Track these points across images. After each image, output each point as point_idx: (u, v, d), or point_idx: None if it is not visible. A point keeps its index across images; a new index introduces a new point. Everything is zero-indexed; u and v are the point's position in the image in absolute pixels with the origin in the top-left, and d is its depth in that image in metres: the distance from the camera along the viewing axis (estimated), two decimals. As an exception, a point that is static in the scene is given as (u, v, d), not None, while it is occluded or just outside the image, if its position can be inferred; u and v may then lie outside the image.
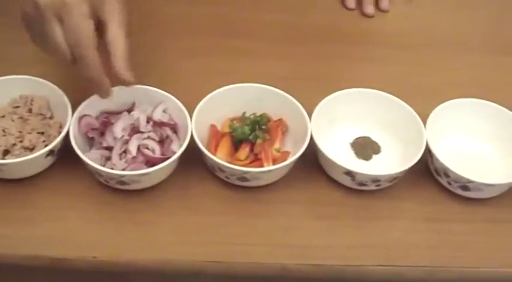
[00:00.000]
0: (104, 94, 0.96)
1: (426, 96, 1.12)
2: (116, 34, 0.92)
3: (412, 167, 1.01)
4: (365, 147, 1.07)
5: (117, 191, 0.99)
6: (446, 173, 1.01)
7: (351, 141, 1.09)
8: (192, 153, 1.00)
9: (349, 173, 0.99)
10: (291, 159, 0.98)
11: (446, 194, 1.05)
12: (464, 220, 1.04)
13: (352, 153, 1.08)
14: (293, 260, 0.97)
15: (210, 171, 1.02)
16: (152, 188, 1.00)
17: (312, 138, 1.00)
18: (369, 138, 1.08)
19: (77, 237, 0.96)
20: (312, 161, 1.04)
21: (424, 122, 1.05)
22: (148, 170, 0.96)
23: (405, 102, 1.08)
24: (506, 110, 1.09)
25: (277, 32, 1.24)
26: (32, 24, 0.92)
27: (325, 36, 1.25)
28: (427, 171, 1.06)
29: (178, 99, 1.03)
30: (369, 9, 1.31)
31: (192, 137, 0.99)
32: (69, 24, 0.88)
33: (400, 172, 1.00)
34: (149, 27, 1.21)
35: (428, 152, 1.03)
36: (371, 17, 1.31)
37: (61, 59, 0.91)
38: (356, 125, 1.09)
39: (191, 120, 1.00)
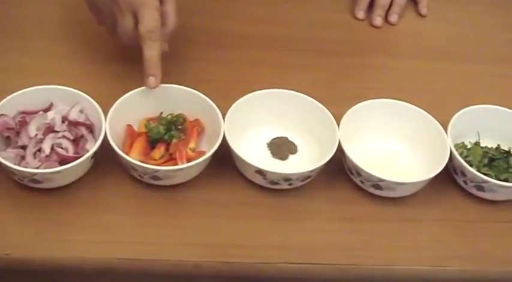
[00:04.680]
0: (155, 80, 1.05)
1: (344, 98, 1.13)
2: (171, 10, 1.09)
3: (328, 166, 1.03)
4: (281, 147, 1.09)
5: (33, 190, 1.00)
6: (358, 172, 1.03)
7: (268, 141, 1.09)
8: (109, 153, 1.01)
9: (260, 172, 1.00)
10: (203, 157, 0.99)
11: (360, 193, 1.07)
12: (377, 219, 1.05)
13: (268, 153, 1.09)
14: (206, 258, 0.98)
15: (126, 171, 1.03)
16: (67, 187, 1.01)
17: (224, 138, 1.01)
18: (285, 138, 1.10)
19: (-10, 235, 0.96)
20: (228, 161, 1.05)
21: (338, 123, 1.06)
22: (59, 168, 0.97)
23: (322, 104, 1.09)
24: (422, 111, 1.11)
25: (203, 36, 1.25)
26: (102, 9, 1.08)
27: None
28: (342, 171, 1.07)
29: (96, 100, 1.04)
30: (377, 21, 1.34)
31: (105, 136, 0.99)
32: (144, 15, 1.03)
33: (312, 171, 1.01)
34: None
35: (341, 151, 1.04)
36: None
37: (128, 42, 1.07)
38: (274, 125, 1.10)
39: (105, 120, 1.01)
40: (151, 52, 1.05)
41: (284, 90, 1.10)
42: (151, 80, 1.06)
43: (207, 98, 1.06)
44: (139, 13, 1.04)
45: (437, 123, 1.09)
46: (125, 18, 1.05)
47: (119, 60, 1.18)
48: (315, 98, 1.10)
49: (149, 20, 1.03)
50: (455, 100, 1.17)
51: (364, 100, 1.11)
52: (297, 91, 1.10)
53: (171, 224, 1.01)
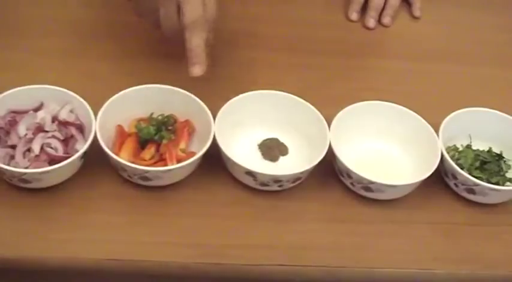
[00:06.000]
0: (200, 67, 1.05)
1: (336, 99, 1.13)
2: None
3: (319, 168, 1.03)
4: (272, 149, 1.08)
5: (22, 189, 1.00)
6: (348, 174, 1.03)
7: (259, 142, 1.09)
8: (99, 154, 1.00)
9: (250, 173, 1.00)
10: (192, 159, 0.99)
11: (351, 195, 1.06)
12: (367, 221, 1.05)
13: (259, 154, 1.09)
14: (195, 259, 0.98)
15: (116, 171, 1.03)
16: (56, 187, 1.01)
17: (215, 139, 1.01)
18: (276, 139, 1.09)
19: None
20: (219, 162, 1.05)
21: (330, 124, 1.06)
22: (49, 168, 0.96)
23: (314, 105, 1.09)
24: (414, 113, 1.11)
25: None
26: (143, 2, 1.07)
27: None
28: (333, 172, 1.07)
29: (87, 99, 1.04)
30: (371, 23, 1.34)
31: (95, 136, 0.99)
32: (188, 5, 1.02)
33: (301, 173, 1.01)
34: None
35: (332, 153, 1.04)
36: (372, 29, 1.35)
37: (172, 34, 1.06)
38: (265, 127, 1.10)
39: (96, 120, 1.00)
40: (197, 41, 1.04)
41: (275, 92, 1.10)
42: (197, 67, 1.05)
43: (197, 99, 1.06)
44: (183, 3, 1.03)
45: (428, 125, 1.09)
46: (168, 9, 1.04)
47: (111, 60, 1.18)
48: (306, 99, 1.09)
49: (193, 10, 1.03)
50: (448, 102, 1.17)
51: (356, 102, 1.11)
52: (289, 92, 1.10)
53: (160, 224, 1.01)
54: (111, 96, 1.05)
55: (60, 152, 1.00)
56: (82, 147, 0.99)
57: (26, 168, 0.98)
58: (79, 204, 1.01)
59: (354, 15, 1.34)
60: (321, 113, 1.08)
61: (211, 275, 0.99)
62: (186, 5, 1.03)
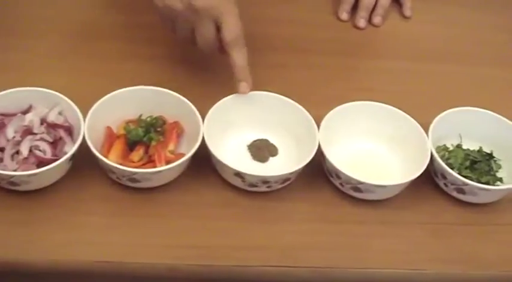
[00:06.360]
0: (247, 86, 1.07)
1: (326, 99, 1.12)
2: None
3: (308, 168, 1.03)
4: (261, 150, 1.08)
5: (10, 192, 1.00)
6: (337, 174, 1.03)
7: (249, 143, 1.09)
8: (88, 156, 1.00)
9: (238, 174, 1.00)
10: (180, 160, 0.99)
11: (340, 195, 1.06)
12: (357, 221, 1.05)
13: (248, 155, 1.08)
14: (184, 261, 0.98)
15: (105, 173, 1.02)
16: (45, 190, 1.01)
17: (203, 140, 1.01)
18: (266, 140, 1.09)
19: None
20: (208, 164, 1.05)
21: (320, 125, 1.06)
22: (37, 171, 0.96)
23: (305, 105, 1.09)
24: (403, 113, 1.11)
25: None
26: (177, 18, 1.06)
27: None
28: (322, 173, 1.07)
29: (76, 101, 1.04)
30: (361, 23, 1.34)
31: (84, 138, 0.99)
32: (228, 23, 1.04)
33: (290, 173, 1.01)
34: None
35: (321, 153, 1.04)
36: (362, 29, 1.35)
37: (209, 50, 1.07)
38: (254, 127, 1.10)
39: (84, 122, 1.00)
40: (241, 58, 1.06)
41: (265, 92, 1.10)
42: (244, 85, 1.07)
43: (186, 100, 1.05)
44: (222, 20, 1.04)
45: (418, 125, 1.09)
46: (205, 27, 1.05)
47: (100, 62, 1.18)
48: (296, 100, 1.09)
49: (234, 27, 1.04)
50: (439, 102, 1.17)
51: (346, 102, 1.11)
52: (278, 93, 1.10)
53: (149, 226, 1.01)
54: (100, 98, 1.04)
55: (49, 155, 1.00)
56: (71, 150, 0.99)
57: (15, 170, 0.98)
58: (68, 207, 1.01)
59: (344, 15, 1.34)
60: (311, 114, 1.08)
61: (200, 277, 0.99)
62: (225, 22, 1.04)
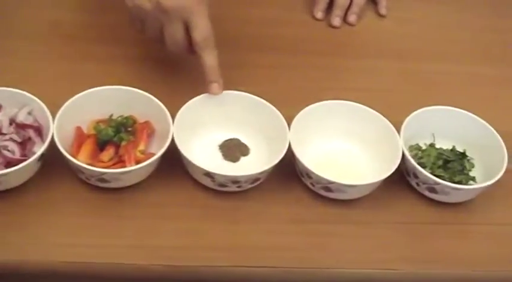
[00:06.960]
0: (218, 86, 1.07)
1: (298, 99, 1.12)
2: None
3: (280, 168, 1.03)
4: (232, 149, 1.08)
5: (-21, 193, 0.99)
6: (308, 174, 1.02)
7: (220, 143, 1.09)
8: (58, 156, 1.00)
9: (208, 174, 1.00)
10: (150, 160, 0.98)
11: (312, 195, 1.06)
12: (328, 221, 1.05)
13: (219, 155, 1.08)
14: (152, 261, 0.97)
15: (75, 173, 1.02)
16: (14, 190, 1.00)
17: (173, 140, 1.00)
18: (237, 140, 1.09)
19: None
20: (178, 164, 1.04)
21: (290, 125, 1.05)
22: (5, 171, 0.96)
23: (276, 105, 1.08)
24: (375, 112, 1.10)
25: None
26: (146, 18, 1.05)
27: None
28: (294, 173, 1.07)
29: (46, 101, 1.03)
30: (336, 21, 1.34)
31: (53, 138, 0.98)
32: (198, 24, 1.03)
33: (260, 173, 1.00)
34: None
35: (292, 153, 1.03)
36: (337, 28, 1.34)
37: (178, 50, 1.06)
38: (226, 127, 1.09)
39: (54, 122, 1.00)
40: (211, 59, 1.05)
41: (236, 92, 1.09)
42: (215, 86, 1.06)
43: (157, 100, 1.05)
44: (191, 21, 1.03)
45: (390, 124, 1.09)
46: (174, 27, 1.04)
47: (70, 61, 1.18)
48: (268, 99, 1.09)
49: (204, 28, 1.04)
50: (413, 101, 1.17)
51: (319, 101, 1.10)
52: (250, 92, 1.09)
53: (117, 226, 1.00)
54: (70, 98, 1.04)
55: (17, 155, 1.00)
56: (40, 150, 0.98)
57: (-17, 171, 0.97)
58: (37, 207, 1.00)
59: (320, 14, 1.34)
60: (283, 113, 1.07)
61: (169, 277, 0.98)
62: (195, 23, 1.03)
